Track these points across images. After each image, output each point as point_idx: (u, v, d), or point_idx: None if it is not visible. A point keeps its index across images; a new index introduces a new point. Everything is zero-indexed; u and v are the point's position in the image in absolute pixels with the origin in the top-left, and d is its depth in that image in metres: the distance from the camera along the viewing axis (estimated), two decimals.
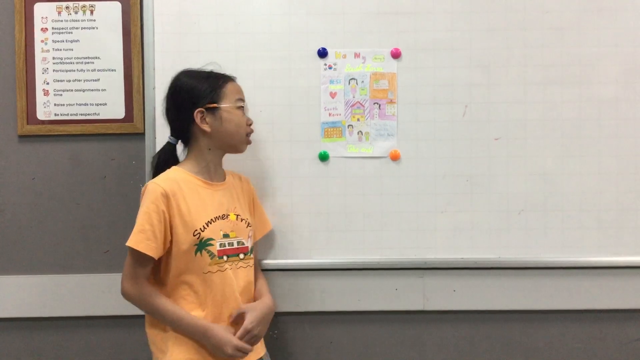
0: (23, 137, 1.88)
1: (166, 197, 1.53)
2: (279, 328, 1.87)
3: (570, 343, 1.87)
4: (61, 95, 1.88)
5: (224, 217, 1.61)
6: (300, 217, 1.83)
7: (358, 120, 1.83)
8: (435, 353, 1.88)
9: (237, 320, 1.58)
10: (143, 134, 1.86)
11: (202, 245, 1.55)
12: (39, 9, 1.87)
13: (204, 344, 1.53)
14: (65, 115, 1.88)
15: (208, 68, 1.66)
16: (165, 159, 1.64)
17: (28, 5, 1.87)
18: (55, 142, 1.88)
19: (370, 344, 1.88)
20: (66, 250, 1.89)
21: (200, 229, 1.55)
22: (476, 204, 1.83)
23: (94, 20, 1.87)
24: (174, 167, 1.62)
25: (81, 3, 1.87)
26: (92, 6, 1.87)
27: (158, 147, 1.79)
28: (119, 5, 1.87)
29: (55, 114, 1.88)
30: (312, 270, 1.84)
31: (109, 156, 1.89)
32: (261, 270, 1.80)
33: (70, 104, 1.88)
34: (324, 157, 1.83)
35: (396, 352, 1.88)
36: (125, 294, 1.55)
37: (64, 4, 1.87)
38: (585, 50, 1.83)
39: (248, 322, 1.57)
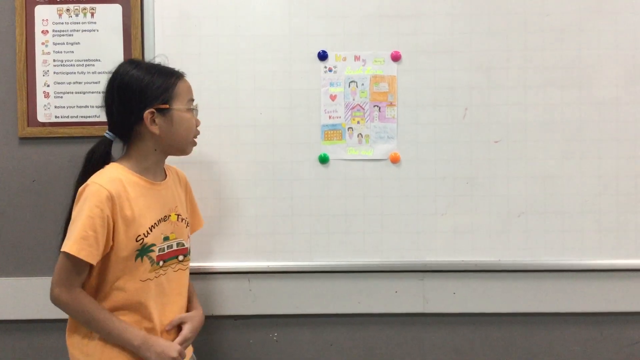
0: (23, 139, 1.88)
1: (111, 200, 1.41)
2: (279, 331, 1.87)
3: (570, 346, 1.87)
4: (62, 97, 1.88)
5: (165, 218, 1.53)
6: (300, 219, 1.83)
7: (358, 122, 1.83)
8: (435, 355, 1.88)
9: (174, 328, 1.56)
10: None
11: (143, 251, 1.47)
12: (39, 11, 1.87)
13: (143, 355, 1.45)
14: (66, 117, 1.88)
15: (156, 61, 1.57)
16: (102, 157, 1.51)
17: (29, 7, 1.87)
18: (55, 144, 1.88)
19: (370, 346, 1.88)
20: None
21: (144, 234, 1.47)
22: (476, 207, 1.83)
23: (95, 23, 1.87)
24: (114, 165, 1.51)
25: (82, 5, 1.87)
26: (92, 9, 1.87)
27: None
28: (119, 7, 1.87)
29: (56, 116, 1.88)
30: (313, 272, 1.84)
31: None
32: (259, 273, 1.80)
33: (70, 106, 1.88)
34: (324, 160, 1.83)
35: (396, 354, 1.88)
36: (57, 301, 1.45)
37: (65, 6, 1.87)
38: (585, 53, 1.83)
39: (187, 331, 1.55)
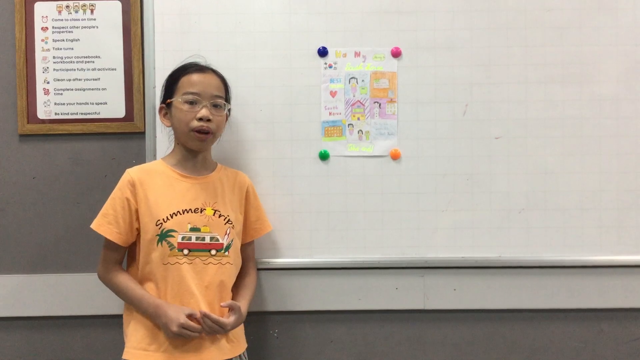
0: (23, 136, 1.88)
1: (133, 185, 1.57)
2: (280, 327, 1.87)
3: (571, 342, 1.87)
4: (61, 94, 1.88)
5: (197, 210, 1.59)
6: (300, 216, 1.83)
7: (358, 119, 1.83)
8: (435, 352, 1.88)
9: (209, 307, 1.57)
10: (143, 133, 1.86)
11: (163, 235, 1.55)
12: (39, 8, 1.87)
13: (156, 322, 1.53)
14: (66, 114, 1.88)
15: (191, 60, 1.67)
16: None
17: (28, 4, 1.87)
18: (55, 141, 1.88)
19: (370, 343, 1.88)
20: (67, 250, 1.89)
21: (164, 219, 1.55)
22: (477, 203, 1.83)
23: (95, 19, 1.87)
24: (158, 159, 1.69)
25: (81, 2, 1.87)
26: (92, 5, 1.87)
27: (158, 146, 1.81)
28: (119, 4, 1.87)
29: (56, 113, 1.88)
30: (313, 269, 1.84)
31: (110, 155, 1.89)
32: (259, 270, 1.81)
33: (70, 103, 1.88)
34: (324, 156, 1.83)
35: (396, 351, 1.88)
36: (99, 278, 1.62)
37: (64, 3, 1.87)
38: (585, 49, 1.82)
39: (230, 321, 1.55)
